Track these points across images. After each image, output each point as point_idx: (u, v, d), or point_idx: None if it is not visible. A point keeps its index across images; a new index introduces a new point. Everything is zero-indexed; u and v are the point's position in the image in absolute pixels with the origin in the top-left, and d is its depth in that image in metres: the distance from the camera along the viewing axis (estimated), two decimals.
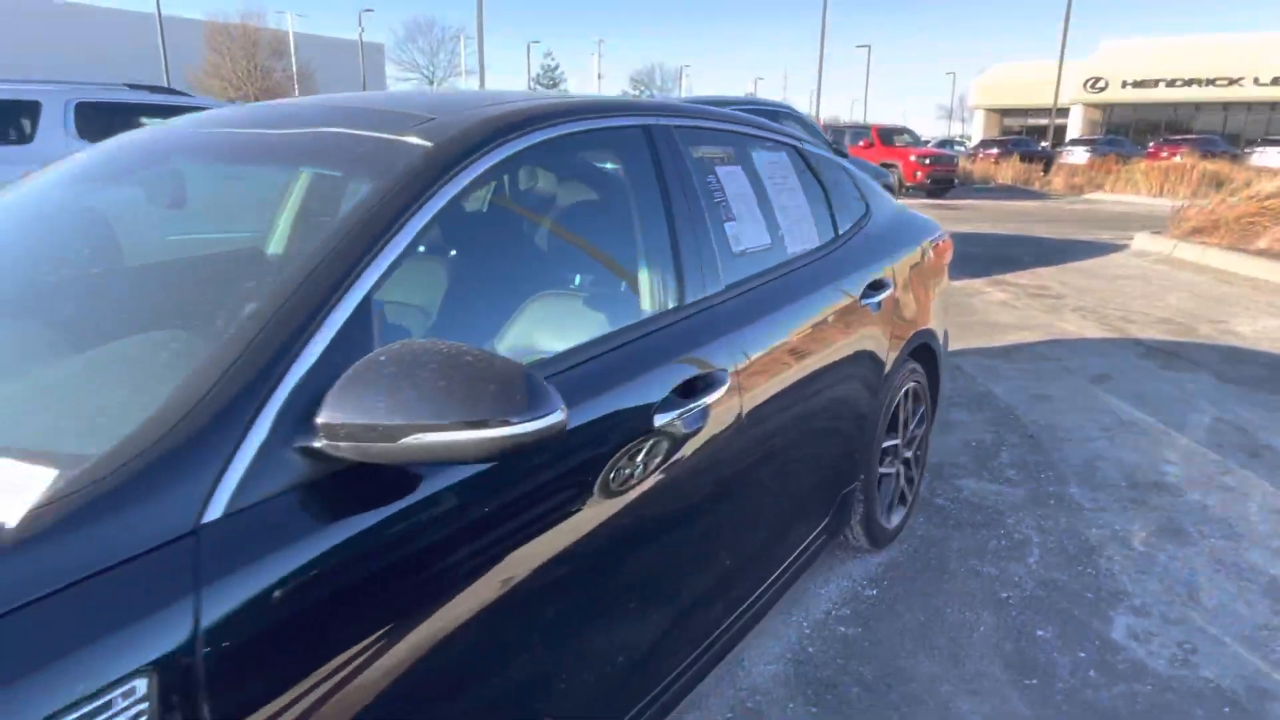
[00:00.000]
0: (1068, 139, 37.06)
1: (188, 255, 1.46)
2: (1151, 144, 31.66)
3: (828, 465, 2.26)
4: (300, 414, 1.00)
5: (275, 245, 1.42)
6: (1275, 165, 23.20)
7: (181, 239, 1.55)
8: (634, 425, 1.42)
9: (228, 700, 0.87)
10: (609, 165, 1.74)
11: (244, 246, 1.53)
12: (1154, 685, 2.12)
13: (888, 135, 19.77)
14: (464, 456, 0.98)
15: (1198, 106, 44.10)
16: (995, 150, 28.80)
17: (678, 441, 1.53)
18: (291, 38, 45.79)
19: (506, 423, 0.97)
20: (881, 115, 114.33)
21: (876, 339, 2.42)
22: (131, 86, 6.87)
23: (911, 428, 2.84)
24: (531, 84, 61.25)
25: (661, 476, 1.49)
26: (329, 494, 1.01)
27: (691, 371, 1.59)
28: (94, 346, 1.21)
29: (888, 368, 2.52)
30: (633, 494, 1.42)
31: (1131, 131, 42.66)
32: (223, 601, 0.88)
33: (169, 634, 0.83)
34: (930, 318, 2.85)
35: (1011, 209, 16.50)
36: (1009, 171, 24.45)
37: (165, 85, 8.02)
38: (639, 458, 1.43)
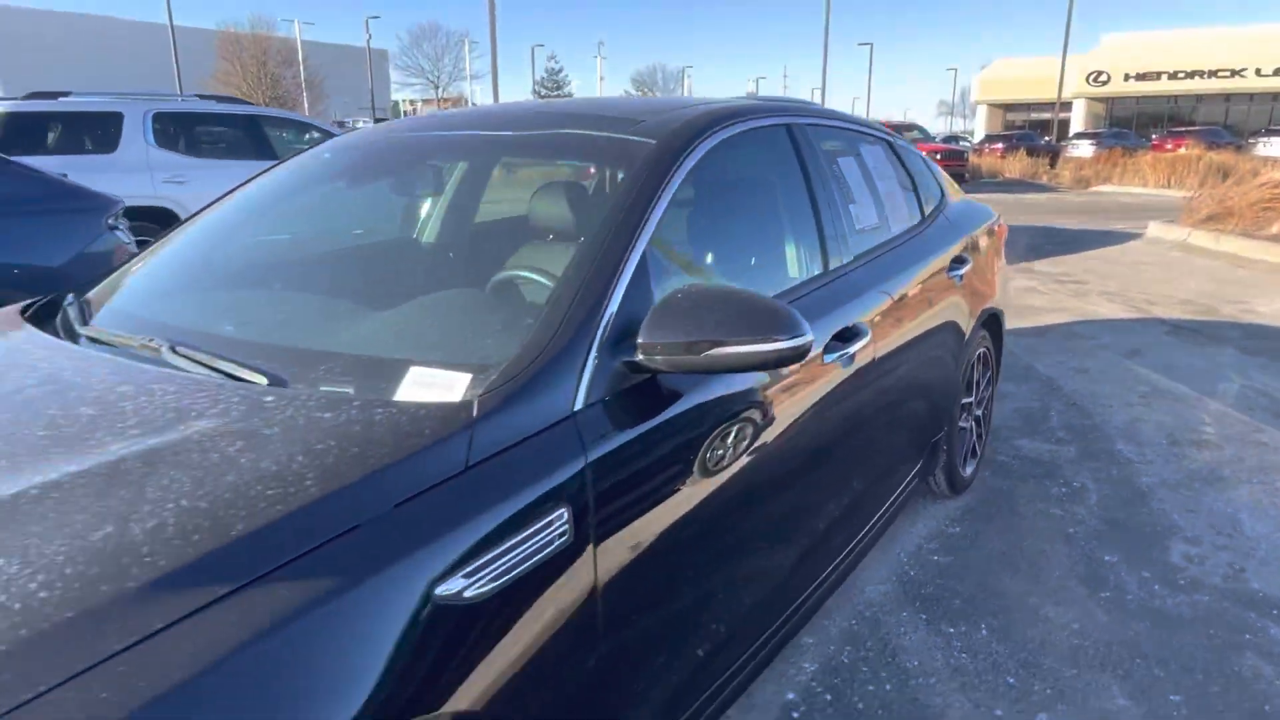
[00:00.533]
0: (1071, 133, 37.37)
1: (492, 225, 1.83)
2: (1155, 137, 31.96)
3: (923, 414, 2.62)
4: (615, 338, 1.36)
5: (561, 216, 1.77)
6: (1278, 155, 23.54)
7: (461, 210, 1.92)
8: (813, 360, 1.79)
9: (603, 522, 1.24)
10: (767, 157, 2.11)
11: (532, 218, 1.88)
12: (1211, 596, 2.48)
13: (899, 132, 20.13)
14: (747, 364, 1.34)
15: (1199, 98, 44.32)
16: (1000, 145, 29.12)
17: (836, 377, 1.89)
18: (299, 45, 46.21)
19: (775, 339, 1.33)
20: (882, 112, 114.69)
21: (959, 307, 2.78)
22: (201, 97, 7.26)
23: (981, 388, 3.20)
24: (536, 87, 61.74)
25: (826, 404, 1.86)
26: (636, 395, 1.37)
27: (843, 323, 1.95)
28: (460, 292, 1.59)
29: (967, 334, 2.87)
30: (810, 412, 1.79)
31: (1135, 124, 42.91)
32: (596, 457, 1.24)
33: (576, 477, 1.20)
34: (996, 291, 3.21)
35: (1023, 202, 16.84)
36: (1016, 166, 24.77)
37: (226, 96, 8.41)
38: (814, 385, 1.80)
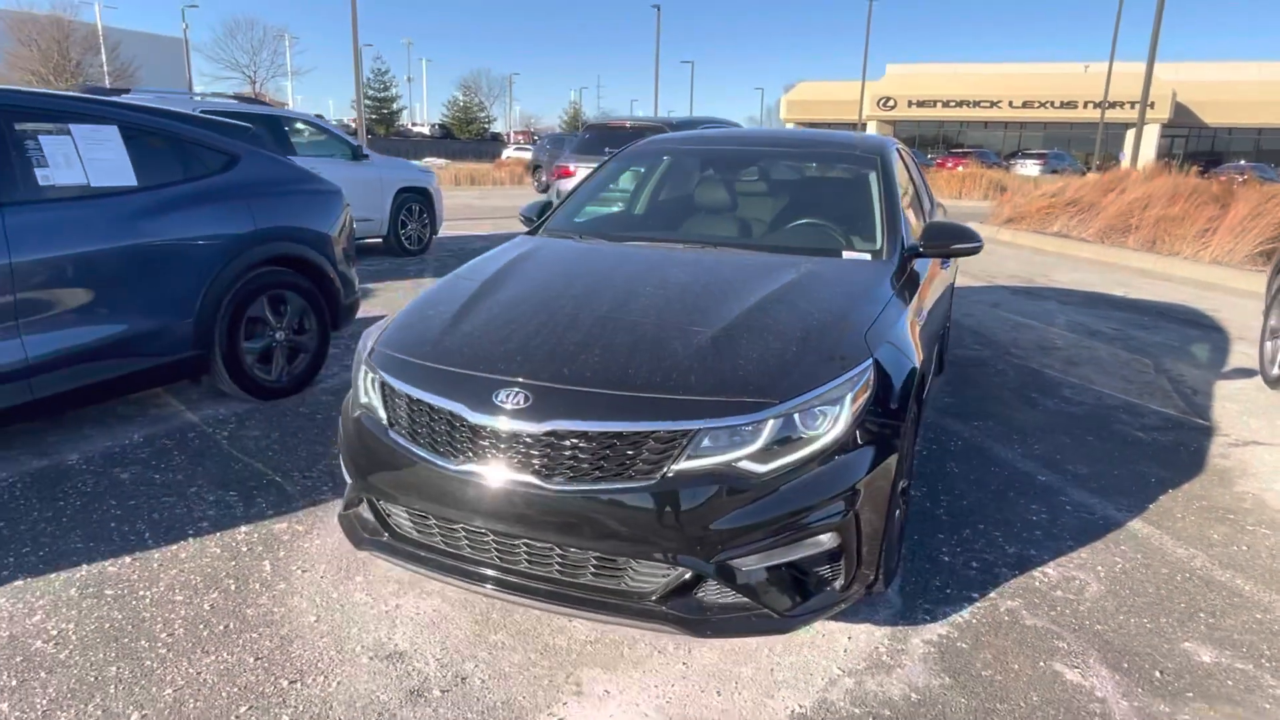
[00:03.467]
0: None
1: (798, 194, 3.52)
2: (936, 156, 37.52)
3: (947, 310, 4.56)
4: (904, 244, 3.13)
5: (851, 190, 3.50)
6: (1033, 174, 28.90)
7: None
8: (939, 263, 3.65)
9: (913, 299, 3.01)
10: (897, 165, 3.94)
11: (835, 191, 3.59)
12: (1090, 407, 4.61)
13: None
14: (964, 252, 3.14)
15: (964, 124, 51.73)
16: None
17: (943, 275, 3.76)
18: (101, 30, 42.82)
19: (974, 242, 3.16)
20: None
21: None
22: (238, 99, 8.06)
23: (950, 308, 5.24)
24: (365, 86, 60.38)
25: (940, 286, 3.71)
26: (908, 265, 3.15)
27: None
28: (802, 224, 3.30)
29: (952, 271, 4.88)
30: (937, 285, 3.63)
31: (916, 144, 49.42)
32: (911, 269, 3.01)
33: (911, 288, 2.97)
34: None
35: None
36: None
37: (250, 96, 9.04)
38: (939, 275, 3.66)
